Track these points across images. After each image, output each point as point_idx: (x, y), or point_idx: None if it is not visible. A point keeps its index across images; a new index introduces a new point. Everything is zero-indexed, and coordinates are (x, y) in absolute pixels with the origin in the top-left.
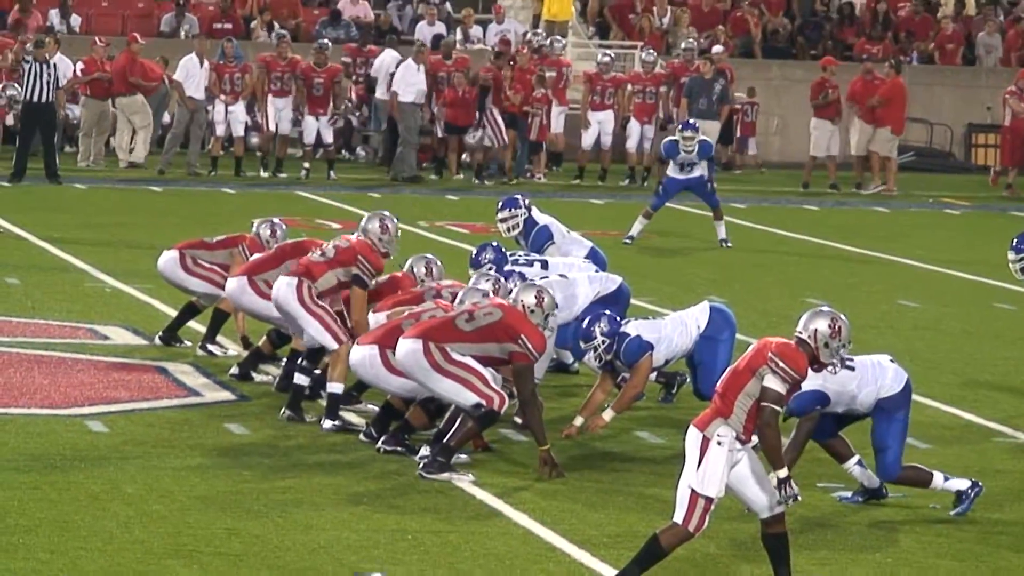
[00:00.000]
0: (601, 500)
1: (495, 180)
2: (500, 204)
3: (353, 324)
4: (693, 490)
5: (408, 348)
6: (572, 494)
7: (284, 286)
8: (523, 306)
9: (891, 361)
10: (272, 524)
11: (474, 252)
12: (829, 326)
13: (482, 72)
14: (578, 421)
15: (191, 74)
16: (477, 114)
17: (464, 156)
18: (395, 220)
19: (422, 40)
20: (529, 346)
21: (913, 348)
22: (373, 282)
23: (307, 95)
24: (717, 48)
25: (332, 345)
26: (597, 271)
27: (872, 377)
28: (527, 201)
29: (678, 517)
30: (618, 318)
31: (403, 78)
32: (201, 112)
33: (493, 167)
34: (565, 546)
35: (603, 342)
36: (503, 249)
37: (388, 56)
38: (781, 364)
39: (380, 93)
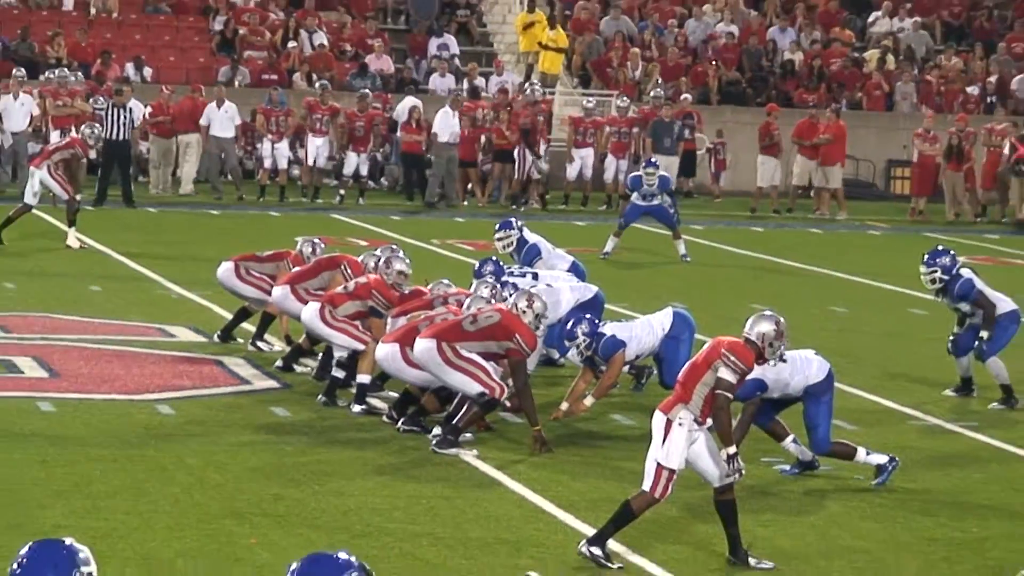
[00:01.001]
0: (583, 471)
1: (498, 205)
2: (497, 225)
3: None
4: (659, 463)
5: (424, 346)
6: (559, 466)
7: (310, 311)
8: (518, 310)
9: (816, 354)
10: (310, 490)
11: (476, 265)
12: (774, 328)
13: (523, 116)
14: (564, 406)
15: (211, 118)
16: (516, 151)
17: (469, 185)
18: (405, 259)
19: (459, 90)
20: (523, 344)
21: (841, 346)
22: (388, 312)
23: (350, 135)
24: (686, 96)
25: (360, 347)
26: (577, 282)
27: (801, 367)
28: (520, 223)
29: (646, 486)
30: (596, 321)
31: (441, 122)
32: (226, 147)
33: (496, 195)
34: (553, 509)
35: (584, 340)
36: (501, 263)
37: (407, 102)
38: (732, 358)
39: (400, 132)
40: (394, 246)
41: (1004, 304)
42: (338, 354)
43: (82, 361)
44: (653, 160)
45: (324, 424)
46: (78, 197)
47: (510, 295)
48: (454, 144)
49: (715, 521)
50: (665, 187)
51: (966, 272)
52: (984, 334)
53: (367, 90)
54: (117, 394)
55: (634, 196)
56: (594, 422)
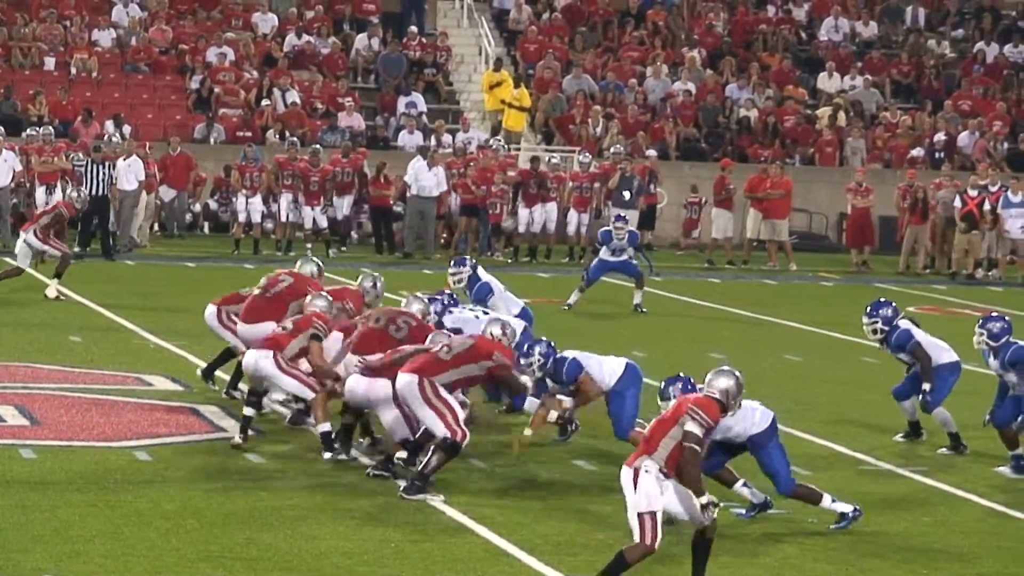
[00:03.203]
0: (546, 515)
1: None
2: (451, 262)
3: (314, 369)
4: (639, 513)
5: (406, 380)
6: (523, 510)
7: (261, 358)
8: (491, 335)
9: (760, 404)
10: (283, 535)
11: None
12: (735, 383)
13: (518, 173)
14: (528, 432)
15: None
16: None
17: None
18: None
19: (434, 146)
20: (502, 359)
21: (794, 394)
22: (327, 337)
23: (304, 189)
24: (651, 152)
25: (309, 395)
26: (526, 327)
27: (743, 416)
28: (473, 262)
29: (637, 539)
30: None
31: (414, 174)
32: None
33: (463, 247)
34: (517, 552)
35: (539, 360)
36: (455, 296)
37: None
38: (700, 413)
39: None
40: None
41: (945, 355)
42: (276, 396)
43: (62, 409)
44: (623, 215)
45: (296, 470)
46: (72, 251)
47: (436, 313)
48: (429, 197)
49: (667, 559)
50: (633, 242)
51: (904, 323)
52: (926, 386)
53: (318, 145)
54: (96, 441)
55: (603, 251)
56: (556, 467)
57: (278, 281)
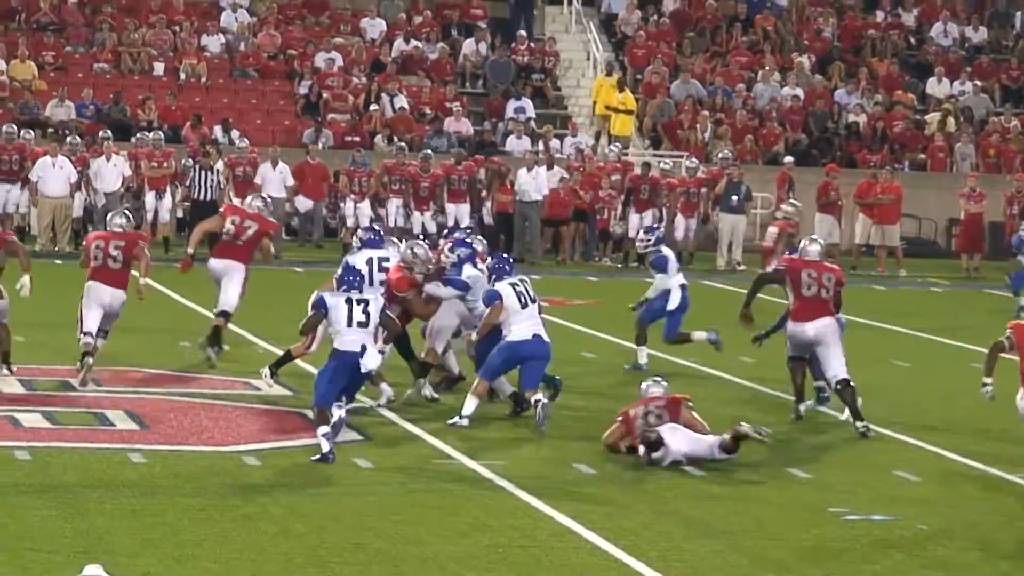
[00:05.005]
0: (655, 520)
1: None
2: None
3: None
4: None
5: None
6: (629, 515)
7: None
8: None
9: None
10: (389, 539)
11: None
12: None
13: (628, 179)
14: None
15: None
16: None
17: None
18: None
19: (550, 152)
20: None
21: (903, 400)
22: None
23: (414, 194)
24: (788, 159)
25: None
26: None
27: None
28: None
29: None
30: (508, 266)
31: (522, 181)
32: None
33: (571, 252)
34: (626, 558)
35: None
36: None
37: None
38: None
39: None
40: None
41: None
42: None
43: (172, 414)
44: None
45: (403, 475)
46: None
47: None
48: (533, 202)
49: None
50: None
51: None
52: None
53: (430, 151)
54: (205, 445)
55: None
56: (664, 473)
57: None
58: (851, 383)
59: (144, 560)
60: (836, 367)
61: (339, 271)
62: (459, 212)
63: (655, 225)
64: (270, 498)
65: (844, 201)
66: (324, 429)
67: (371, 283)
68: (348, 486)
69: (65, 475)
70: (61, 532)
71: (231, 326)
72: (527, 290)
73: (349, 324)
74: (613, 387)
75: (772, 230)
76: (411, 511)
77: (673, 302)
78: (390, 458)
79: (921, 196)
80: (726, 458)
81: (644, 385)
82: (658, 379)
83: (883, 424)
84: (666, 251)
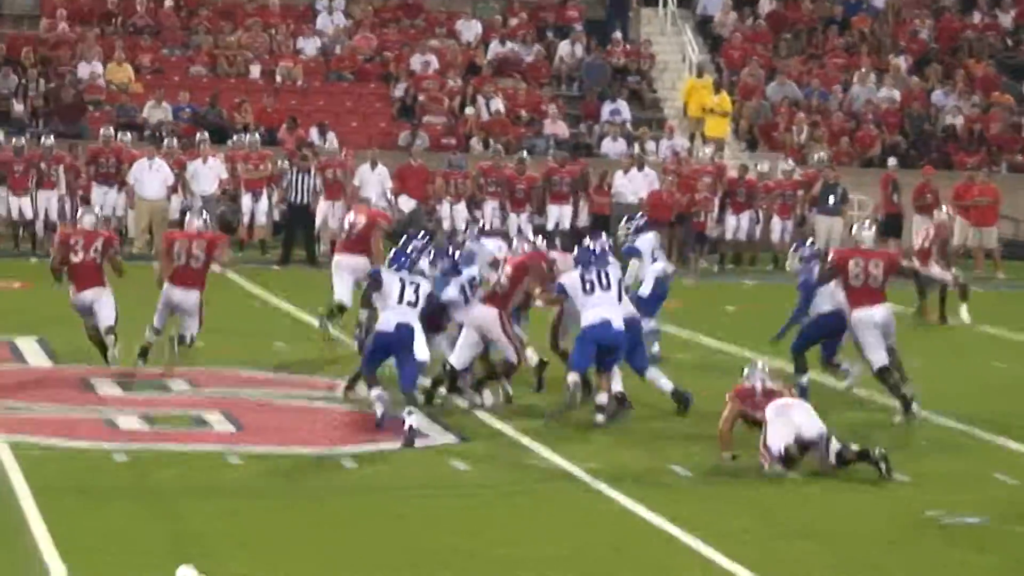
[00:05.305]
0: (757, 526)
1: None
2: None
3: None
4: None
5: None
6: (728, 518)
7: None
8: None
9: None
10: (486, 541)
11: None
12: None
13: (725, 181)
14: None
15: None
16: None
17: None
18: None
19: (638, 154)
20: None
21: (999, 401)
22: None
23: (510, 196)
24: (892, 161)
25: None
26: None
27: None
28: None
29: None
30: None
31: (619, 184)
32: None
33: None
34: (726, 563)
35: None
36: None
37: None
38: None
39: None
40: None
41: None
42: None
43: (268, 415)
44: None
45: (499, 477)
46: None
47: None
48: (631, 205)
49: None
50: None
51: None
52: None
53: (524, 153)
54: (301, 447)
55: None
56: (771, 483)
57: None
58: (890, 368)
59: (240, 562)
60: (880, 355)
61: (391, 252)
62: (561, 214)
63: (635, 216)
64: (366, 500)
65: (941, 203)
66: (376, 391)
67: (467, 301)
68: (444, 488)
69: (161, 477)
70: (156, 533)
71: (332, 329)
72: (599, 276)
73: (400, 301)
74: (706, 389)
75: (926, 231)
76: (507, 513)
77: (646, 290)
78: (487, 460)
79: (1019, 198)
80: (832, 464)
81: (748, 371)
82: (759, 364)
83: (982, 426)
84: (641, 241)
